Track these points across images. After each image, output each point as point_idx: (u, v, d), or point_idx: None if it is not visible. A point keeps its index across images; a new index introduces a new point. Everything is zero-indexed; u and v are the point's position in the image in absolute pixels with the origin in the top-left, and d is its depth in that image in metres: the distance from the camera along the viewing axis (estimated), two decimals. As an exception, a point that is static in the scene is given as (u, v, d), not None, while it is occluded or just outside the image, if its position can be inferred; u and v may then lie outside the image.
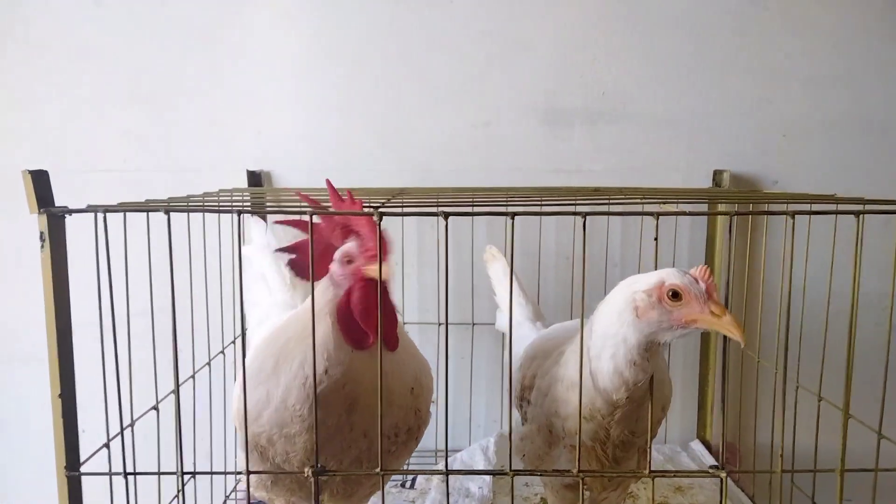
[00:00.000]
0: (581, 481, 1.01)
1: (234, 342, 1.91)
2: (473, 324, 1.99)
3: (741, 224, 1.95)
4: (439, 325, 2.00)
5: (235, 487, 1.93)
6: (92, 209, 0.98)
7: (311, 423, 1.00)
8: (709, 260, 2.02)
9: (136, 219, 1.06)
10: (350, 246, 1.05)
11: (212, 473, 1.10)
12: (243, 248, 1.59)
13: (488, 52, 2.00)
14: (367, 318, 1.04)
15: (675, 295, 0.95)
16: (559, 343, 1.20)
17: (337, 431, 1.06)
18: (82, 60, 1.99)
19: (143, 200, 1.25)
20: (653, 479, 1.04)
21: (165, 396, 1.39)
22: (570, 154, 2.02)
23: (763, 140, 2.04)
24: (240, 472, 1.03)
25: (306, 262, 1.07)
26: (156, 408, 1.25)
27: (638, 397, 1.03)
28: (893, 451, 1.18)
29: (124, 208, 1.00)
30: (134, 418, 1.14)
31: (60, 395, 1.01)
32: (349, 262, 1.05)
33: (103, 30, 1.99)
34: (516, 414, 1.37)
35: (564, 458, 1.19)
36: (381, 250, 0.97)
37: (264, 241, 1.54)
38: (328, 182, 1.11)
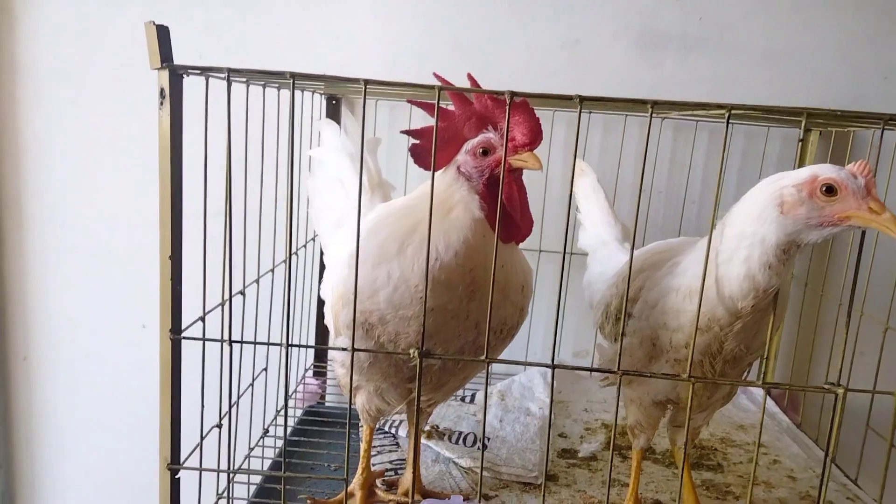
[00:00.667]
0: (691, 387, 0.98)
1: (306, 244, 1.91)
2: (540, 251, 1.96)
3: (836, 147, 1.88)
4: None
5: (304, 378, 1.96)
6: (213, 70, 0.95)
7: (430, 305, 0.98)
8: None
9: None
10: (489, 136, 1.03)
11: (315, 347, 1.10)
12: (314, 151, 1.56)
13: (584, -36, 1.91)
14: (522, 212, 1.04)
15: (829, 190, 0.91)
16: (672, 254, 1.16)
17: (453, 318, 1.05)
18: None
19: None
20: (767, 391, 1.01)
21: (264, 274, 1.40)
22: (661, 82, 1.94)
23: (863, 82, 1.94)
24: (344, 349, 1.02)
25: (429, 150, 1.04)
26: (242, 292, 1.25)
27: (762, 307, 1.00)
28: None
29: (247, 75, 0.97)
30: (231, 292, 1.13)
31: (170, 257, 1.00)
32: (484, 153, 1.03)
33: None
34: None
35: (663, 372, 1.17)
36: (533, 137, 0.97)
37: (339, 142, 1.51)
38: (469, 75, 1.06)
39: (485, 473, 1.47)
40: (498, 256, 0.99)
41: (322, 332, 2.09)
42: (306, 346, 1.10)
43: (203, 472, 1.16)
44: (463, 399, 1.83)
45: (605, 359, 1.34)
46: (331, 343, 1.23)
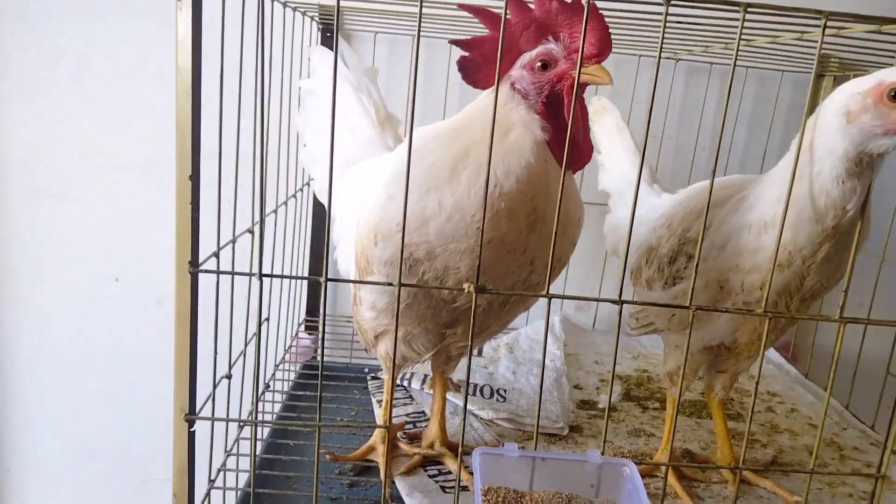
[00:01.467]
0: (766, 322, 0.92)
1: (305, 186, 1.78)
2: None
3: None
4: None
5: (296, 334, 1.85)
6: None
7: (487, 237, 0.88)
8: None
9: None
10: (549, 47, 0.91)
11: (356, 282, 0.99)
12: (305, 82, 1.42)
13: None
14: (585, 135, 0.93)
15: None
16: (735, 191, 1.09)
17: (509, 252, 0.95)
18: None
19: None
20: (843, 325, 0.96)
21: (278, 206, 1.26)
22: None
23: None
24: (390, 284, 0.91)
25: (480, 64, 0.92)
26: (250, 230, 1.12)
27: (845, 229, 0.93)
28: None
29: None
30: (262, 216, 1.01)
31: (190, 177, 0.87)
32: (544, 66, 0.91)
33: None
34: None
35: (727, 317, 1.11)
36: (602, 48, 0.86)
37: (339, 71, 1.36)
38: None
39: (508, 425, 1.40)
40: (559, 183, 0.88)
41: (314, 284, 1.98)
42: (346, 281, 0.97)
43: (210, 425, 1.05)
44: (477, 353, 1.75)
45: (650, 309, 1.27)
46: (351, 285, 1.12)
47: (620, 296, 0.91)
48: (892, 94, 0.87)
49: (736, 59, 0.82)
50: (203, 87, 0.86)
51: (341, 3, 1.49)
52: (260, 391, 1.44)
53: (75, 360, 2.04)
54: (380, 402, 1.46)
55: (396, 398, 1.49)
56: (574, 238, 1.04)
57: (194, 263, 0.91)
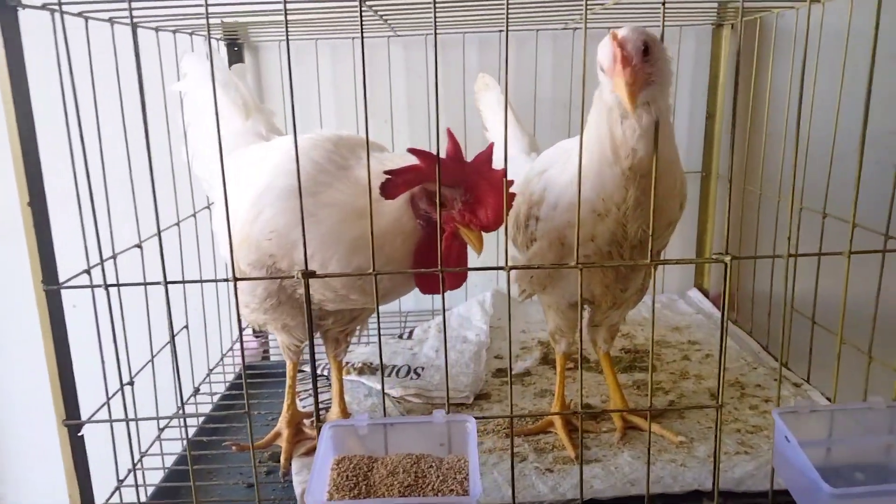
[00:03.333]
0: (580, 273, 0.97)
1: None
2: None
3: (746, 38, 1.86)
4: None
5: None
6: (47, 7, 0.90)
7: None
8: (713, 79, 1.95)
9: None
10: (452, 192, 1.00)
11: (196, 281, 1.06)
12: (176, 85, 1.47)
13: None
14: (446, 262, 1.02)
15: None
16: (562, 151, 1.16)
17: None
18: None
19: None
20: (654, 267, 1.00)
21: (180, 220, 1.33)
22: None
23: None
24: (226, 280, 0.98)
25: (398, 189, 1.01)
26: (139, 245, 1.21)
27: (645, 171, 0.98)
28: None
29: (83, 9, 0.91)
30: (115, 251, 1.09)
31: (29, 204, 0.95)
32: (434, 202, 0.97)
33: None
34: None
35: (574, 275, 1.15)
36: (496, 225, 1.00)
37: (203, 70, 1.41)
38: (449, 131, 1.03)
39: (416, 400, 1.46)
40: None
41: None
42: (188, 282, 1.04)
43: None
44: (400, 336, 1.81)
45: (519, 272, 1.32)
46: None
47: (506, 262, 0.97)
48: (600, 66, 0.98)
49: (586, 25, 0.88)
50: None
51: (237, 19, 1.58)
52: (187, 394, 1.54)
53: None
54: (298, 393, 1.53)
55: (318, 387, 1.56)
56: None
57: (48, 281, 0.99)
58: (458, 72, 1.91)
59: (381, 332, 1.29)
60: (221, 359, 1.80)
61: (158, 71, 1.50)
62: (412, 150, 0.99)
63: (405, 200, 1.04)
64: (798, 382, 1.49)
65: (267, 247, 1.10)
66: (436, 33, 0.87)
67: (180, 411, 1.06)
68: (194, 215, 1.65)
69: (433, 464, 0.99)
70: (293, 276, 0.98)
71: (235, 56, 1.91)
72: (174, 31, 1.59)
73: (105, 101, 1.12)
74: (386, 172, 0.99)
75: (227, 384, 1.71)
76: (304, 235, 0.94)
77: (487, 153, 1.01)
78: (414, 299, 2.10)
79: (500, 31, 1.88)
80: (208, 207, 1.71)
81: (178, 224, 1.52)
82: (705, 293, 2.05)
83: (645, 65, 0.93)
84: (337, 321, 1.27)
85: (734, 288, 0.97)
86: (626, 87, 0.90)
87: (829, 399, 1.38)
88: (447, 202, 1.00)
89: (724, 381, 1.49)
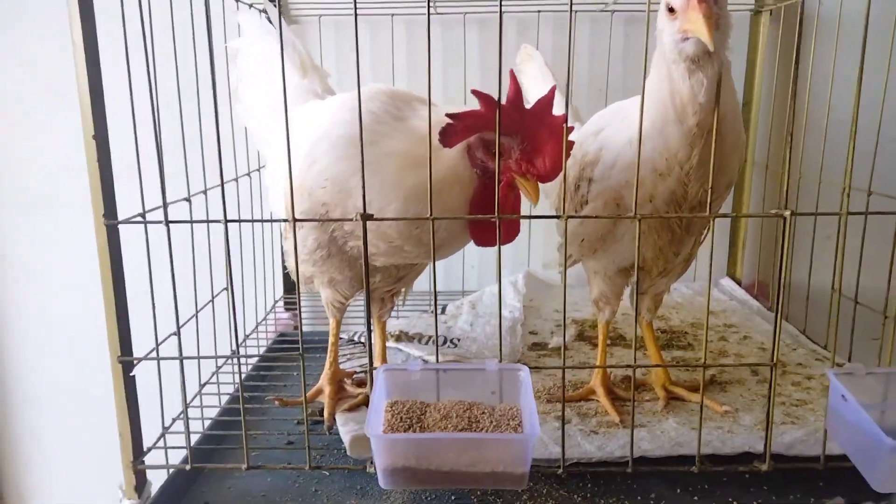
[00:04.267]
0: (638, 224, 0.97)
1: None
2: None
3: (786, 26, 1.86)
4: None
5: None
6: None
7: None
8: (750, 67, 1.95)
9: None
10: (510, 141, 0.99)
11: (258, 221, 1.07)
12: (234, 42, 1.48)
13: None
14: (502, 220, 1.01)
15: (671, 10, 0.99)
16: (620, 111, 1.16)
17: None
18: None
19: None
20: (712, 221, 1.00)
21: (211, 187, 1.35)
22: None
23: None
24: (285, 220, 0.99)
25: (457, 135, 1.01)
26: (199, 194, 1.22)
27: (710, 127, 0.98)
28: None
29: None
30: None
31: (94, 137, 0.97)
32: (492, 152, 0.98)
33: None
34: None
35: (630, 236, 1.15)
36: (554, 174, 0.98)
37: (262, 29, 1.44)
38: (512, 73, 1.03)
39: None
40: None
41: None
42: (244, 221, 1.04)
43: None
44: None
45: (572, 233, 1.32)
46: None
47: (564, 211, 0.97)
48: (669, 7, 0.98)
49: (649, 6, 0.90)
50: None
51: None
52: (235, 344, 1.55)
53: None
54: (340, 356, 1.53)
55: (353, 352, 1.57)
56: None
57: (108, 216, 1.00)
58: (494, 52, 1.93)
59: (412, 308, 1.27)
60: (257, 326, 1.81)
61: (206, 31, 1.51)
62: (475, 92, 0.99)
63: (462, 150, 1.04)
64: (840, 363, 1.47)
65: (321, 195, 1.10)
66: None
67: (234, 354, 1.06)
68: (248, 174, 1.67)
69: (486, 410, 0.98)
70: (351, 219, 0.99)
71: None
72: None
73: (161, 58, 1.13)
74: (448, 115, 0.99)
75: (263, 348, 1.71)
76: (363, 179, 0.94)
77: (549, 97, 1.00)
78: (443, 279, 2.10)
79: (539, 10, 1.90)
80: (258, 170, 1.73)
81: (230, 181, 1.53)
82: (738, 281, 2.04)
83: (715, 6, 0.93)
84: (384, 279, 1.27)
85: (780, 251, 0.96)
86: (705, 20, 0.91)
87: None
88: (505, 151, 1.00)
89: (756, 354, 1.50)
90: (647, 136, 1.04)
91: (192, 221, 1.04)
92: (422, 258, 1.15)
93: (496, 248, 0.99)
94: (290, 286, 2.09)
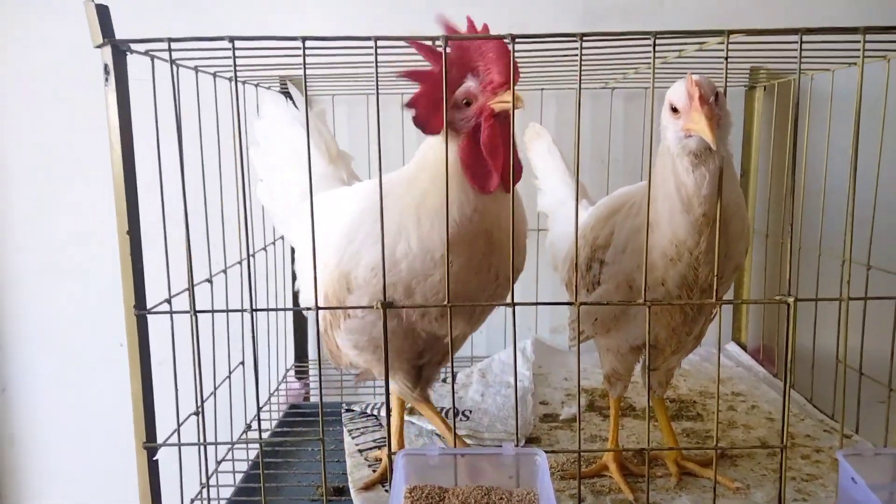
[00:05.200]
0: (647, 310, 1.01)
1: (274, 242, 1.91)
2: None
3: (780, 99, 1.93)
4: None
5: (284, 378, 1.96)
6: (152, 41, 0.97)
7: (456, 265, 1.02)
8: (747, 138, 2.01)
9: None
10: (468, 85, 1.02)
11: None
12: (257, 123, 1.52)
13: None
14: (494, 157, 1.03)
15: (674, 109, 1.04)
16: (629, 198, 1.21)
17: (477, 273, 1.08)
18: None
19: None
20: (720, 308, 1.04)
21: (231, 266, 1.40)
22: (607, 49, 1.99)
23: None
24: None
25: (427, 116, 1.03)
26: (210, 280, 1.26)
27: (714, 216, 1.03)
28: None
29: (186, 42, 0.98)
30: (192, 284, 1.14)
31: (128, 233, 1.01)
32: (468, 104, 1.02)
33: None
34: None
35: (641, 318, 1.19)
36: (509, 74, 0.96)
37: (289, 114, 1.48)
38: (442, 17, 1.03)
39: (468, 440, 1.48)
40: (506, 205, 1.01)
41: (300, 331, 2.10)
42: (270, 310, 1.09)
43: (184, 460, 1.15)
44: (444, 381, 1.83)
45: (576, 313, 1.36)
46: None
47: (576, 298, 1.01)
48: (672, 107, 1.05)
49: (654, 83, 0.95)
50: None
51: (291, 72, 1.67)
52: (239, 429, 1.56)
53: (87, 423, 2.18)
54: (350, 431, 1.55)
55: (366, 426, 1.58)
56: (525, 248, 1.18)
57: (139, 307, 1.04)
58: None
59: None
60: (269, 398, 1.83)
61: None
62: (413, 43, 1.00)
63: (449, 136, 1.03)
64: (848, 434, 1.49)
65: (373, 282, 1.10)
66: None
67: (248, 434, 1.08)
68: (264, 248, 1.71)
69: (503, 496, 1.01)
70: (370, 307, 1.03)
71: (290, 106, 2.01)
72: (243, 82, 1.69)
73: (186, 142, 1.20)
74: (406, 105, 1.02)
75: (276, 422, 1.73)
76: (383, 267, 0.99)
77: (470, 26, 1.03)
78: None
79: (543, 89, 1.98)
80: (273, 243, 1.78)
81: (242, 261, 1.58)
82: (743, 347, 2.07)
83: (716, 107, 1.00)
84: (434, 356, 1.28)
85: (785, 336, 1.00)
86: (707, 121, 0.97)
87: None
88: (472, 98, 1.02)
89: (763, 425, 1.52)
90: (656, 224, 1.09)
91: (215, 311, 1.08)
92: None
93: (510, 313, 1.02)
94: (301, 354, 2.12)
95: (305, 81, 0.99)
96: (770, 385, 1.79)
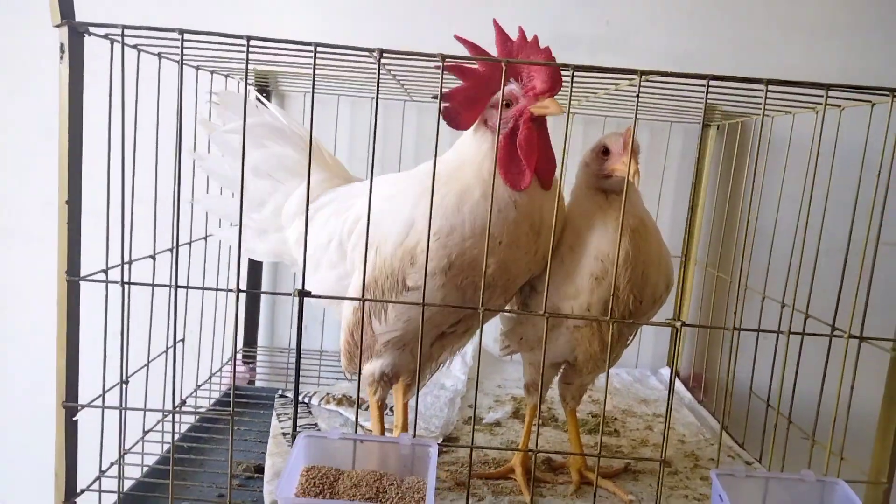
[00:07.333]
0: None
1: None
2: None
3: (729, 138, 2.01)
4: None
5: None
6: (109, 25, 1.04)
7: (505, 242, 1.12)
8: (698, 173, 2.10)
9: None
10: (512, 87, 1.09)
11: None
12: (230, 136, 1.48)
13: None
14: (529, 158, 1.10)
15: (605, 151, 1.19)
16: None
17: (526, 253, 1.15)
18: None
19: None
20: (612, 325, 1.11)
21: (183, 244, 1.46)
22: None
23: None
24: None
25: (459, 111, 1.10)
26: (152, 256, 1.32)
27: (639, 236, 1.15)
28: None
29: (141, 30, 1.05)
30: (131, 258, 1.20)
31: (67, 202, 1.07)
32: (508, 105, 1.08)
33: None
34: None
35: (563, 339, 1.27)
36: (553, 84, 1.05)
37: (289, 130, 1.46)
38: (495, 22, 1.11)
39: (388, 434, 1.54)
40: (549, 199, 1.14)
41: (251, 317, 2.16)
42: (201, 289, 1.15)
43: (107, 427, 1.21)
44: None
45: (507, 328, 1.42)
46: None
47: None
48: (604, 149, 1.19)
49: (636, 115, 1.05)
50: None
51: (274, 68, 1.74)
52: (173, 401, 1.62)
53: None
54: (279, 415, 1.61)
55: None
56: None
57: (71, 272, 1.10)
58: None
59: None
60: (210, 377, 1.88)
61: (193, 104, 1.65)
62: (460, 39, 1.07)
63: (481, 133, 1.14)
64: (750, 461, 1.57)
65: (435, 245, 1.11)
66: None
67: (174, 409, 1.14)
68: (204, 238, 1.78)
69: (394, 482, 1.07)
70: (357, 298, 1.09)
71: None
72: (211, 72, 1.75)
73: (143, 124, 1.26)
74: (442, 96, 1.05)
75: (213, 401, 1.79)
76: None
77: (498, 33, 1.12)
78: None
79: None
80: (209, 236, 1.84)
81: (187, 244, 1.64)
82: (676, 372, 2.14)
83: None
84: (462, 326, 1.30)
85: (672, 358, 1.08)
86: (636, 165, 1.09)
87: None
88: (514, 99, 1.09)
89: (673, 445, 1.59)
90: (581, 244, 1.20)
91: (148, 284, 1.14)
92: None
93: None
94: (250, 340, 2.17)
95: (247, 79, 1.05)
96: (691, 410, 1.87)
